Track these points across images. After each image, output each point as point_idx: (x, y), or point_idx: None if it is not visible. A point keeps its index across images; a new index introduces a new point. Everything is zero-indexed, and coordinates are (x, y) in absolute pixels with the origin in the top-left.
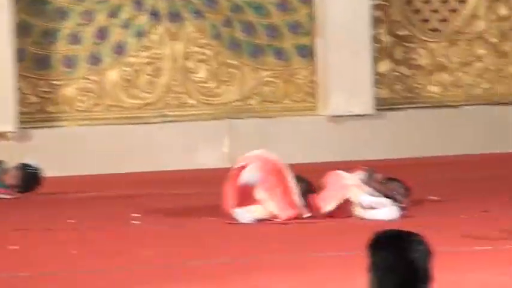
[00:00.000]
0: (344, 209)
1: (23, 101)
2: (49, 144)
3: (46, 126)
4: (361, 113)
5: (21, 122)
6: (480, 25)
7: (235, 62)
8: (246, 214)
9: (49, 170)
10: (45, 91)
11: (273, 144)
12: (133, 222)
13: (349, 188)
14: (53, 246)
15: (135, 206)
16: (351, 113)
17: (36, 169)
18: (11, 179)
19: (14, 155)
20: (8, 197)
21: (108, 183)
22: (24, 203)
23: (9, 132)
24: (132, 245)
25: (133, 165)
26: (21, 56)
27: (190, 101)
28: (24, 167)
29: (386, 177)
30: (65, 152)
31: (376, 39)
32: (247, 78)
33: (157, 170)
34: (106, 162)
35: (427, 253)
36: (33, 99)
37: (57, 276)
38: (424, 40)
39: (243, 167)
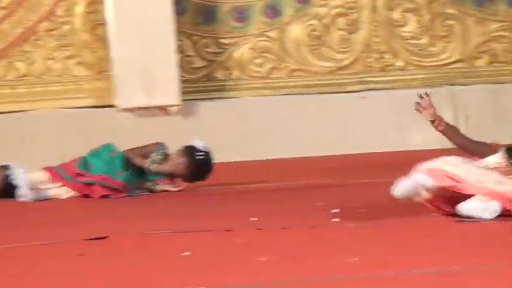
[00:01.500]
0: None
1: (186, 66)
2: (218, 120)
3: (214, 98)
4: None
5: (185, 93)
6: None
7: (454, 12)
8: (484, 210)
9: (218, 153)
10: (213, 52)
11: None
12: (334, 220)
13: None
14: (234, 252)
15: (325, 198)
16: None
17: (205, 153)
18: (174, 167)
19: (178, 133)
20: (173, 189)
21: (288, 171)
22: (190, 197)
23: (172, 105)
24: (331, 248)
25: (324, 146)
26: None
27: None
28: (191, 151)
29: None
30: (238, 130)
31: None
32: (471, 32)
33: (353, 152)
34: (288, 143)
35: None
36: (199, 63)
37: None
38: None
39: None
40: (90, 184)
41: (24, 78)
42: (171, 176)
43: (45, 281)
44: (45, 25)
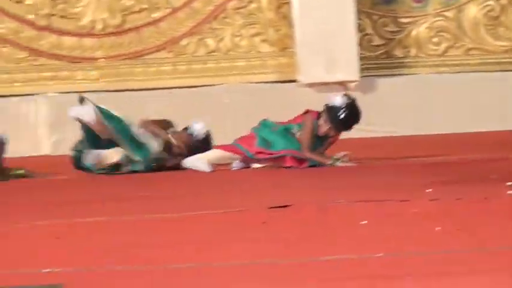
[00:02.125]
0: None
1: (365, 44)
2: (396, 96)
3: (392, 74)
4: None
5: (364, 70)
6: None
7: None
8: None
9: (393, 126)
10: (391, 31)
11: None
12: (509, 192)
13: None
14: (410, 221)
15: (500, 171)
16: None
17: (345, 107)
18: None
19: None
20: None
21: (462, 145)
22: (366, 169)
23: (351, 81)
24: (505, 220)
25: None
26: None
27: None
28: (333, 114)
29: None
30: (414, 105)
31: None
32: None
33: None
34: (464, 118)
35: None
36: (378, 41)
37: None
38: None
39: None
40: (277, 158)
41: (213, 54)
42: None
43: (229, 246)
44: (233, 3)
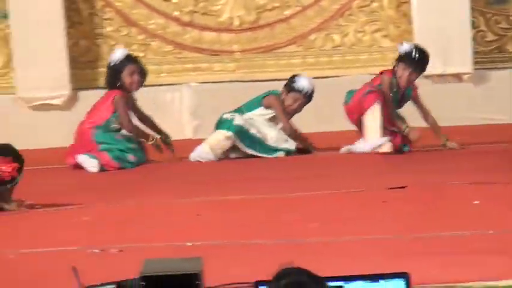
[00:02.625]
0: None
1: (479, 39)
2: (506, 87)
3: (504, 67)
4: None
5: (477, 63)
6: None
7: None
8: None
9: (503, 115)
10: (503, 28)
11: None
12: None
13: None
14: None
15: None
16: None
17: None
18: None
19: (469, 98)
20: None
21: None
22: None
23: (465, 73)
24: None
25: None
26: None
27: None
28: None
29: None
30: None
31: None
32: None
33: None
34: None
35: None
36: (490, 36)
37: None
38: None
39: None
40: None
41: (339, 48)
42: None
43: (354, 223)
44: (357, 2)
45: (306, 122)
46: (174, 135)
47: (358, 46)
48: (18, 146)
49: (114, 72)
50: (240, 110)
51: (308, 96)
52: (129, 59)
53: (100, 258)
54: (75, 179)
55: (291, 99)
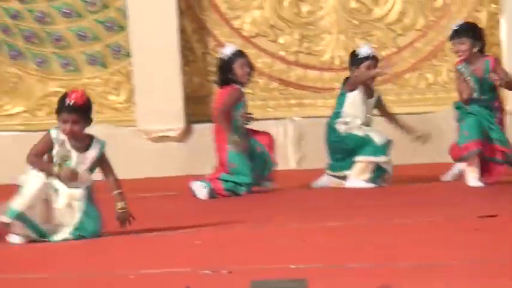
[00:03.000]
0: None
1: None
2: None
3: None
4: None
5: None
6: None
7: None
8: None
9: None
10: None
11: None
12: None
13: None
14: None
15: None
16: None
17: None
18: None
19: None
20: None
21: None
22: None
23: None
24: None
25: None
26: None
27: None
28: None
29: None
30: None
31: None
32: None
33: None
34: None
35: None
36: None
37: None
38: None
39: None
40: None
41: (432, 86)
42: None
43: (447, 247)
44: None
45: (401, 154)
46: (279, 165)
47: (451, 85)
48: (138, 174)
49: (226, 66)
50: (337, 115)
51: (374, 57)
52: (239, 53)
53: (211, 278)
54: (189, 204)
55: (364, 69)
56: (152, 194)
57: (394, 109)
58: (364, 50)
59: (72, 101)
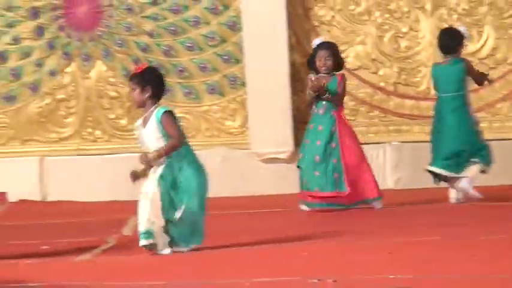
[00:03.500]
0: None
1: None
2: None
3: None
4: None
5: None
6: None
7: None
8: None
9: None
10: None
11: None
12: None
13: None
14: None
15: None
16: None
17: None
18: None
19: None
20: None
21: None
22: None
23: None
24: None
25: None
26: None
27: None
28: None
29: None
30: None
31: None
32: None
33: None
34: None
35: None
36: None
37: None
38: None
39: None
40: None
41: None
42: None
43: None
44: None
45: (495, 177)
46: (378, 185)
47: None
48: (251, 192)
49: (312, 55)
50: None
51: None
52: (323, 45)
53: (318, 287)
54: (296, 219)
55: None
56: (262, 210)
57: (487, 135)
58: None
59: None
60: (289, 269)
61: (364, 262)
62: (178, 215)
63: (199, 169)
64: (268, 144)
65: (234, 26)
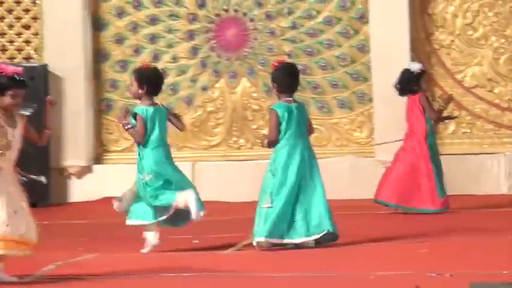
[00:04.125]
0: None
1: None
2: None
3: None
4: None
5: None
6: None
7: None
8: None
9: None
10: None
11: None
12: None
13: None
14: None
15: None
16: None
17: None
18: None
19: None
20: None
21: None
22: None
23: None
24: None
25: None
26: None
27: None
28: None
29: None
30: None
31: None
32: None
33: None
34: None
35: None
36: None
37: None
38: None
39: None
40: None
41: None
42: None
43: None
44: None
45: None
46: (493, 191)
47: None
48: (364, 195)
49: (414, 78)
50: None
51: None
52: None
53: (436, 280)
54: (414, 219)
55: None
56: (386, 211)
57: None
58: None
59: None
60: (409, 264)
61: (481, 258)
62: None
63: None
64: (392, 153)
65: (363, 48)
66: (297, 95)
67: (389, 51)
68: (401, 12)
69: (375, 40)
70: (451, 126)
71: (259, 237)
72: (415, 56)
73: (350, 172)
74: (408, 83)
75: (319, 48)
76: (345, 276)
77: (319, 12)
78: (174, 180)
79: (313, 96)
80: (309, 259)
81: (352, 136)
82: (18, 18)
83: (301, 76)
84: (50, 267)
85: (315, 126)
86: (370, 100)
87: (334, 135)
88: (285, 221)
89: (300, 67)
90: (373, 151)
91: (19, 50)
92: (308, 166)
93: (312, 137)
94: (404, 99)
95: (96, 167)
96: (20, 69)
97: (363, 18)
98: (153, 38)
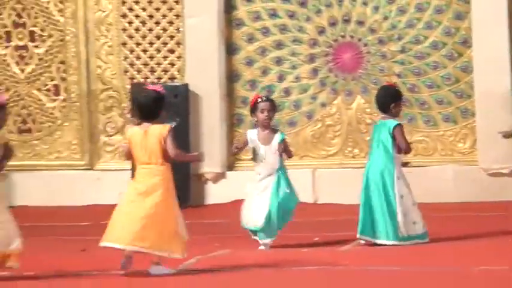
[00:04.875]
0: None
1: None
2: None
3: None
4: None
5: None
6: None
7: None
8: None
9: None
10: None
11: None
12: None
13: None
14: None
15: None
16: None
17: None
18: None
19: None
20: None
21: None
22: None
23: None
24: None
25: None
26: None
27: None
28: None
29: None
30: None
31: None
32: None
33: None
34: None
35: None
36: None
37: None
38: None
39: None
40: None
41: None
42: None
43: None
44: None
45: None
46: None
47: None
48: (474, 199)
49: None
50: None
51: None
52: None
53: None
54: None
55: None
56: (489, 213)
57: None
58: None
59: None
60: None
61: None
62: None
63: None
64: (493, 161)
65: (466, 69)
66: (406, 111)
67: (490, 71)
68: (502, 36)
69: (478, 61)
70: None
71: None
72: None
73: (454, 179)
74: None
75: (425, 69)
76: (451, 270)
77: (426, 38)
78: None
79: (420, 112)
80: (415, 255)
81: (456, 147)
82: (165, 44)
83: (409, 94)
84: (191, 261)
85: (421, 138)
86: (473, 115)
87: (439, 146)
88: None
89: (408, 86)
90: (476, 160)
91: (165, 71)
92: None
93: (419, 147)
94: (504, 113)
95: (229, 173)
96: None
97: (466, 43)
98: (278, 61)
